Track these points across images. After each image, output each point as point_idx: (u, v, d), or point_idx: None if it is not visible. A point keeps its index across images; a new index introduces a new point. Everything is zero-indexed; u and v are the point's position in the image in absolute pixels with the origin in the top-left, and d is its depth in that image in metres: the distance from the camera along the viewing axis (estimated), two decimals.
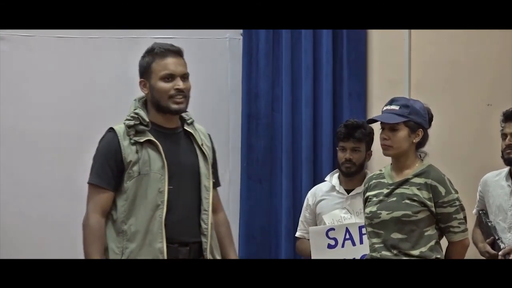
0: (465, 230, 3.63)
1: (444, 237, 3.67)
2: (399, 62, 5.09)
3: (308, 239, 4.35)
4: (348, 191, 4.41)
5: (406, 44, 5.07)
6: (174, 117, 3.48)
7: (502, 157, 4.13)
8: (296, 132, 5.20)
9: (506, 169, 4.19)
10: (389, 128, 3.60)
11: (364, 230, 3.95)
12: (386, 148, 3.61)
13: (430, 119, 3.69)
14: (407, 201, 3.56)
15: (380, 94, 5.08)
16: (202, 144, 3.53)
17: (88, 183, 3.41)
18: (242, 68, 5.21)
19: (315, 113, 5.19)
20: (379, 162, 3.96)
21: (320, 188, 4.53)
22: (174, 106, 3.39)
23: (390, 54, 5.14)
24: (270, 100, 5.23)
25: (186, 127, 3.53)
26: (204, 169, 3.49)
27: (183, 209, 3.41)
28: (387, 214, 3.56)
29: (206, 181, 3.47)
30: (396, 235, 3.55)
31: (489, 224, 4.19)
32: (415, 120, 3.60)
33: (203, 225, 3.43)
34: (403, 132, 3.59)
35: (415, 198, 3.55)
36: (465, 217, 3.63)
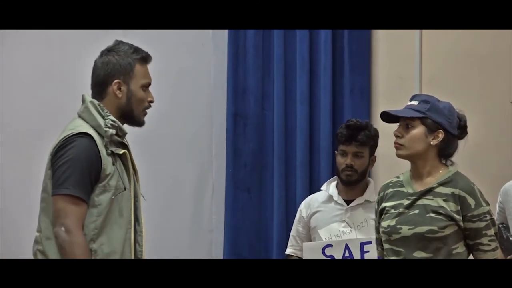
0: (496, 248, 3.50)
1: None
2: (408, 54, 4.96)
3: (300, 257, 4.28)
4: (348, 202, 4.28)
5: (417, 34, 4.92)
6: None
7: None
8: (289, 133, 5.09)
9: None
10: (404, 124, 3.48)
11: (366, 247, 4.02)
12: (397, 147, 3.49)
13: (462, 127, 3.53)
14: (431, 214, 3.42)
15: (386, 90, 4.99)
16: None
17: (65, 194, 3.24)
18: (228, 60, 5.10)
19: (312, 112, 5.07)
20: (387, 169, 3.87)
21: (316, 199, 4.40)
22: (144, 119, 3.43)
23: (399, 44, 5.01)
24: (259, 97, 5.11)
25: None
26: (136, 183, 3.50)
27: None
28: (409, 229, 3.42)
29: (139, 198, 3.46)
30: (419, 254, 3.42)
31: (511, 238, 4.05)
32: (434, 119, 3.45)
33: (138, 248, 3.41)
34: (418, 131, 3.45)
35: (441, 211, 3.42)
36: (496, 233, 3.50)
